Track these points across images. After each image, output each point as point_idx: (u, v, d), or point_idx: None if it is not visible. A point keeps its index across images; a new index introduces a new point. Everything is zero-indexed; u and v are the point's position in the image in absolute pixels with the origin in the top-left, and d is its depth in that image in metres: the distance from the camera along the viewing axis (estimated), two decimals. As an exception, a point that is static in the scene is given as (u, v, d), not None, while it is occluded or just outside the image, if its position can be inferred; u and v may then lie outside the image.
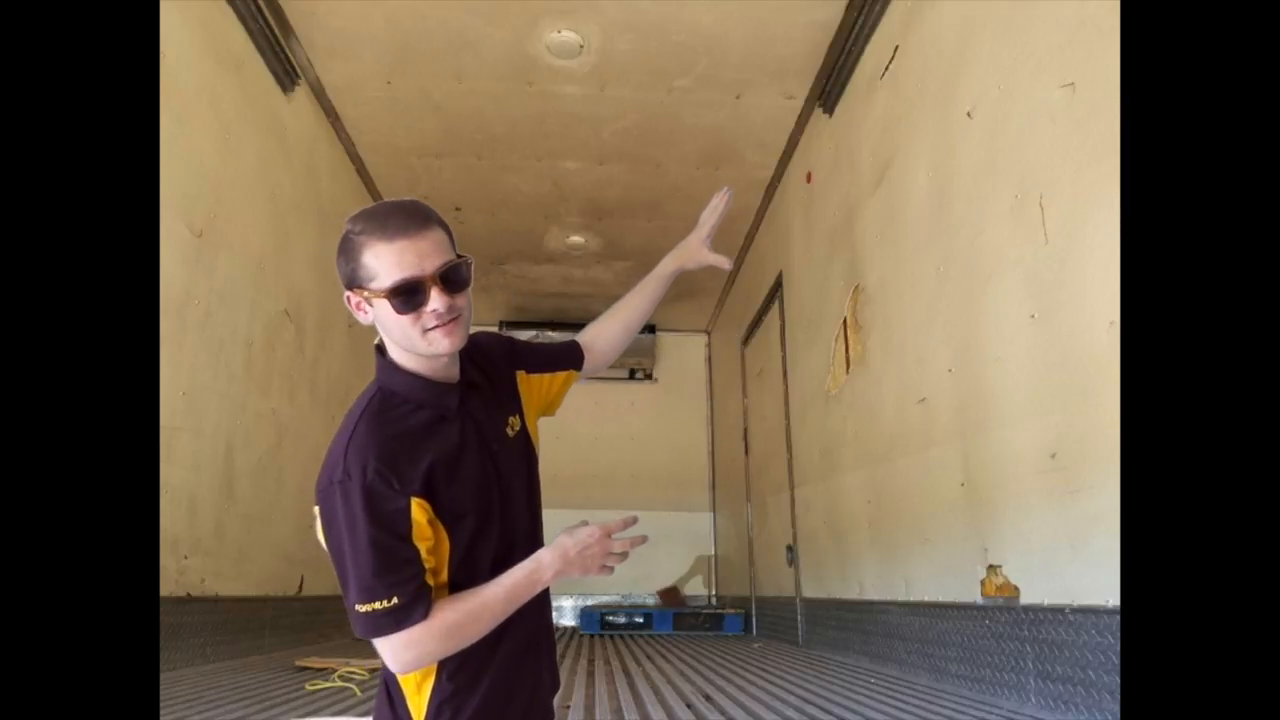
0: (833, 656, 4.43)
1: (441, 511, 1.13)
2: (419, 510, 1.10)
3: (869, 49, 4.26)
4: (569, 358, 1.47)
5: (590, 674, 3.78)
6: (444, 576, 1.15)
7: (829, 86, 4.74)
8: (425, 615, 1.08)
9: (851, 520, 4.42)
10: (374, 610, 1.06)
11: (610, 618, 6.84)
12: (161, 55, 3.32)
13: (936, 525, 3.38)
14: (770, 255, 6.36)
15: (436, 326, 1.13)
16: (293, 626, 4.77)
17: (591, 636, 6.38)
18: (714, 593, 8.73)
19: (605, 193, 6.34)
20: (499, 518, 1.20)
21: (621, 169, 5.98)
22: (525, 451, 1.31)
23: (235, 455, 4.12)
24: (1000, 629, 2.80)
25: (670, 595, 8.34)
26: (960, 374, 3.21)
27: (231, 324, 4.07)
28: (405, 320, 1.13)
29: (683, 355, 9.32)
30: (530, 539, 1.26)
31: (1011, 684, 2.71)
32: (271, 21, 4.30)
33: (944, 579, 3.29)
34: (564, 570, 1.16)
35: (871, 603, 4.07)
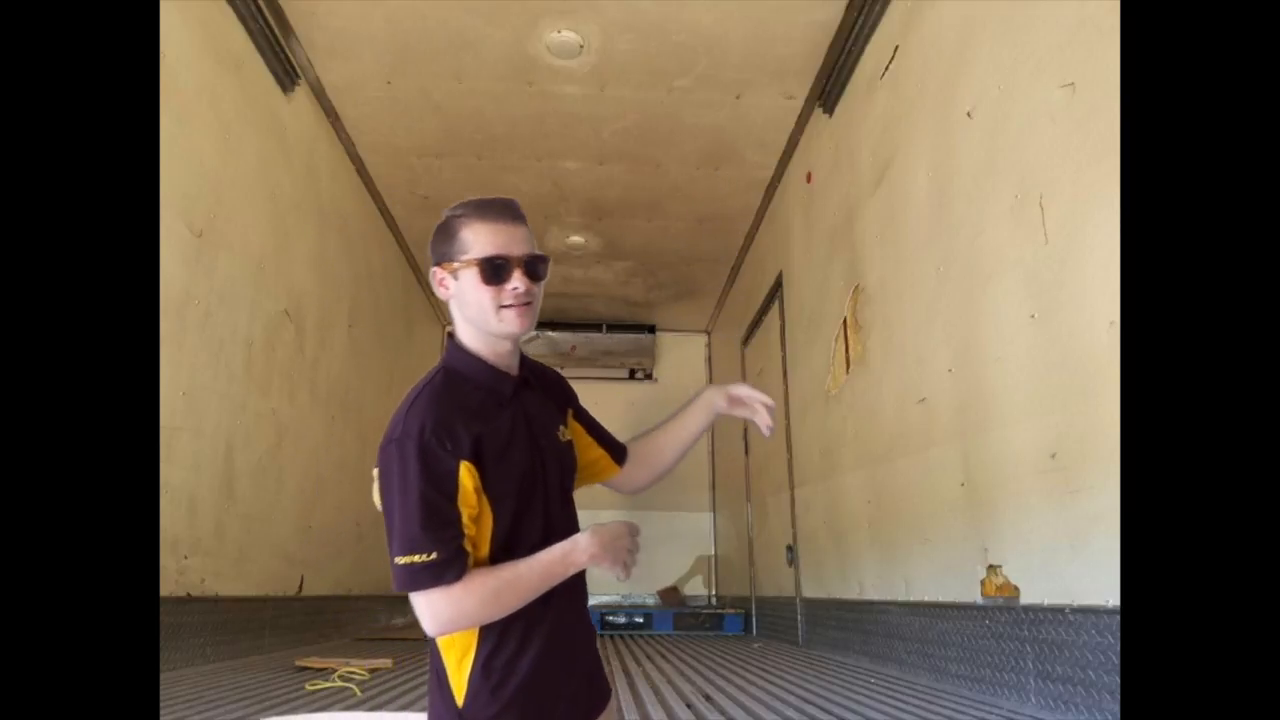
0: (833, 656, 4.43)
1: (486, 486, 1.18)
2: (467, 475, 1.15)
3: (869, 49, 4.26)
4: (614, 448, 1.55)
5: (590, 674, 3.78)
6: (484, 552, 1.18)
7: (829, 86, 4.74)
8: (460, 576, 1.13)
9: (851, 520, 4.42)
10: (413, 563, 1.11)
11: (610, 617, 6.84)
12: (161, 55, 3.32)
13: (936, 525, 3.38)
14: (770, 255, 6.36)
15: (512, 305, 1.24)
16: (293, 626, 4.77)
17: (591, 636, 6.37)
18: (714, 593, 8.73)
19: (605, 193, 6.34)
20: (541, 510, 1.24)
21: (621, 169, 5.98)
22: (569, 462, 1.37)
23: (235, 455, 4.12)
24: (1000, 629, 2.80)
25: (670, 595, 8.35)
26: (960, 374, 3.21)
27: (231, 324, 4.07)
28: (487, 293, 1.23)
29: (683, 355, 9.31)
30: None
31: (1011, 684, 2.71)
32: (271, 21, 4.30)
33: (944, 579, 3.29)
34: (597, 555, 1.20)
35: (871, 603, 4.07)
